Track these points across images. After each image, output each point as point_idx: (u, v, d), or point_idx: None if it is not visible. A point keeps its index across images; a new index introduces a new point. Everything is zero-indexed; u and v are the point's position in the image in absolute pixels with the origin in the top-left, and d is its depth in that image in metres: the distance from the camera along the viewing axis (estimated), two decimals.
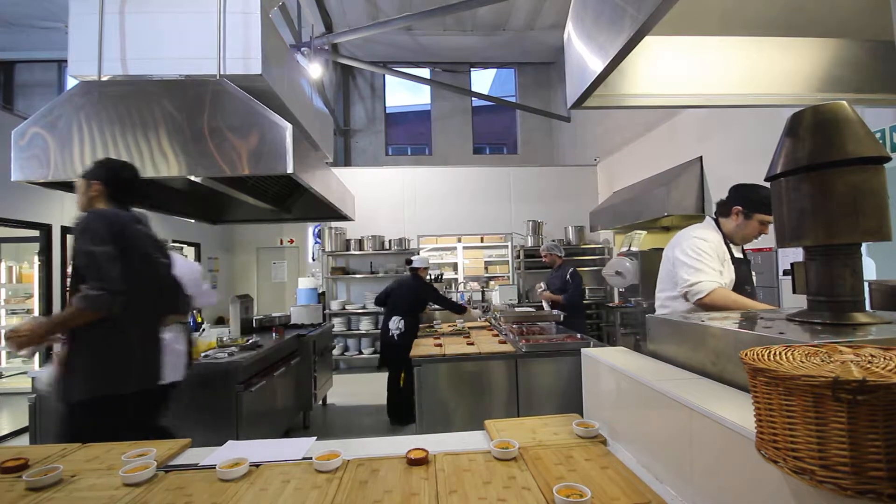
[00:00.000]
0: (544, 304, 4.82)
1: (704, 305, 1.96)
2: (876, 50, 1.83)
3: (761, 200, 2.07)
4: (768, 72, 1.84)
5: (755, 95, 1.86)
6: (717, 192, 4.42)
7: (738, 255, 2.19)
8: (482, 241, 7.49)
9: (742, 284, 2.11)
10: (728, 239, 2.17)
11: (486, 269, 7.56)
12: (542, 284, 4.87)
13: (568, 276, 4.66)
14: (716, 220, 2.23)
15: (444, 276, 7.19)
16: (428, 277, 4.87)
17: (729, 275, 2.09)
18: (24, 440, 2.86)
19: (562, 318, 4.21)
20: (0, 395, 5.75)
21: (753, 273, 2.25)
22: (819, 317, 1.13)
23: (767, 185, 2.01)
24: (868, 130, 1.09)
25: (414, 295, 4.51)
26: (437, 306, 4.70)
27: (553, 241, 6.10)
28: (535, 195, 7.30)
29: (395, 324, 4.37)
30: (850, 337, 0.98)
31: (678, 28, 1.68)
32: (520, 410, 2.84)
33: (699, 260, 2.02)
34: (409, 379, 4.07)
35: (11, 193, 4.58)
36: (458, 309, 4.66)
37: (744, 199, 2.12)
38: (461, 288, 7.12)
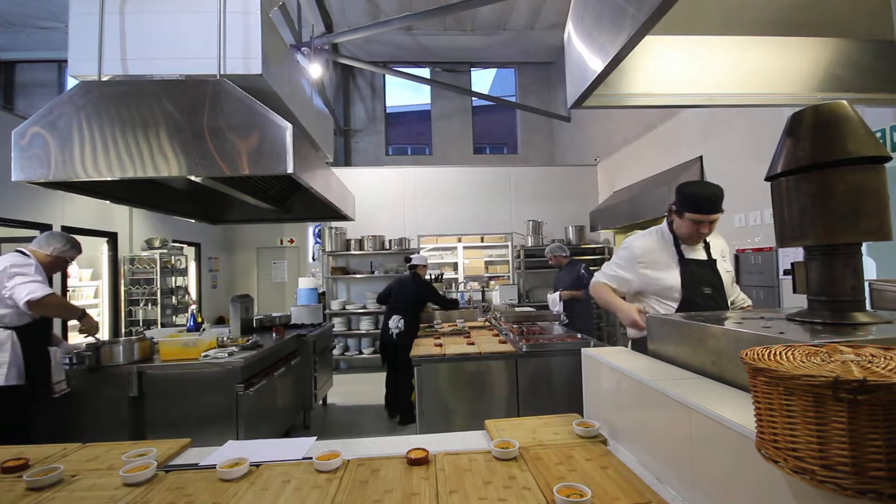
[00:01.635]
0: (558, 307, 4.63)
1: (591, 294, 2.32)
2: (876, 49, 1.83)
3: (689, 198, 2.01)
4: (768, 72, 1.83)
5: (755, 95, 1.86)
6: None
7: (697, 255, 2.11)
8: (482, 240, 7.48)
9: (698, 285, 2.03)
10: (682, 239, 2.11)
11: (486, 268, 7.55)
12: (556, 292, 4.67)
13: (583, 271, 4.62)
14: (671, 223, 2.16)
15: (444, 276, 7.18)
16: (428, 276, 4.88)
17: (671, 277, 2.05)
18: None
19: (564, 319, 4.20)
20: None
21: (726, 272, 2.11)
22: (819, 316, 1.13)
23: (713, 182, 2.12)
24: (868, 130, 1.09)
25: (414, 294, 4.53)
26: (435, 305, 4.72)
27: (555, 241, 6.06)
28: (536, 195, 7.29)
29: (395, 323, 4.39)
30: (850, 337, 0.98)
31: (678, 28, 1.67)
32: (520, 410, 2.84)
33: (607, 263, 2.33)
34: (409, 378, 4.07)
35: (12, 193, 4.59)
36: (453, 304, 4.73)
37: (677, 196, 2.07)
38: (461, 288, 7.11)
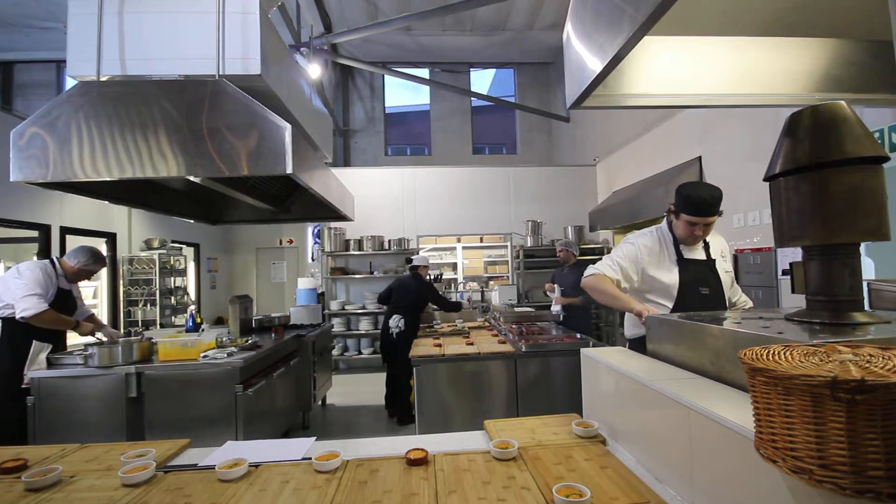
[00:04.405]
0: (556, 306, 4.66)
1: (586, 287, 2.19)
2: (875, 50, 1.83)
3: (687, 200, 2.01)
4: (767, 72, 1.84)
5: (754, 95, 1.86)
6: None
7: (696, 255, 2.11)
8: (482, 241, 7.48)
9: (695, 285, 2.04)
10: (680, 240, 2.11)
11: (485, 269, 7.55)
12: (555, 287, 4.63)
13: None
14: (670, 223, 2.17)
15: (443, 276, 7.18)
16: (428, 277, 4.88)
17: (669, 277, 2.06)
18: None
19: (561, 318, 4.20)
20: None
21: (725, 272, 2.13)
22: (818, 316, 1.13)
23: (713, 184, 2.06)
24: (867, 130, 1.09)
25: (415, 294, 4.54)
26: (435, 306, 4.72)
27: (561, 240, 6.01)
28: (535, 195, 7.30)
29: (396, 322, 4.39)
30: (848, 336, 0.98)
31: (677, 28, 1.68)
32: (519, 410, 2.84)
33: (608, 256, 2.20)
34: (408, 378, 4.08)
35: (10, 194, 4.58)
36: (455, 307, 4.70)
37: (676, 197, 2.08)
38: (461, 288, 7.11)
